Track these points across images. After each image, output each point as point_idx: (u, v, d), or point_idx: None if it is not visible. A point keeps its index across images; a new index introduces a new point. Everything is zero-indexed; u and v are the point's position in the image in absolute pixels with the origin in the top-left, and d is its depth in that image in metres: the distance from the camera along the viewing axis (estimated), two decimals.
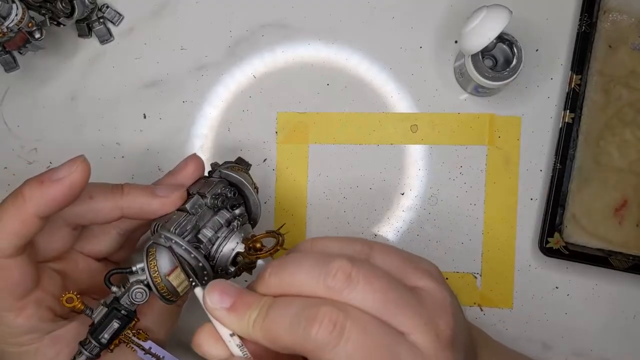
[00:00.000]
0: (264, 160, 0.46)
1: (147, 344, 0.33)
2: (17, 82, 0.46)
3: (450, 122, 0.45)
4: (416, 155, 0.45)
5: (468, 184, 0.45)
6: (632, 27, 0.44)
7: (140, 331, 0.33)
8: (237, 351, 0.28)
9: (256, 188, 0.37)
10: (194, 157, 0.37)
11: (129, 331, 0.32)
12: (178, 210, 0.33)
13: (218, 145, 0.46)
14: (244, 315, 0.28)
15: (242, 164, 0.37)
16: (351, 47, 0.46)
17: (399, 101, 0.45)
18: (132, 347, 0.33)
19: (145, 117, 0.46)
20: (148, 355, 0.33)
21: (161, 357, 0.33)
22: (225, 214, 0.33)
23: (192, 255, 0.31)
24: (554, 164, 0.43)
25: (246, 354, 0.28)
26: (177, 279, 0.31)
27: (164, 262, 0.31)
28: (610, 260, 0.42)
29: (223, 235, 0.33)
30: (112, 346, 0.32)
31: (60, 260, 0.35)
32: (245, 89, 0.46)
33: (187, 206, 0.33)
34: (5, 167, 0.46)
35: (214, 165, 0.37)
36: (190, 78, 0.46)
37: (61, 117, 0.46)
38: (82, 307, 0.32)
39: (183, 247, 0.31)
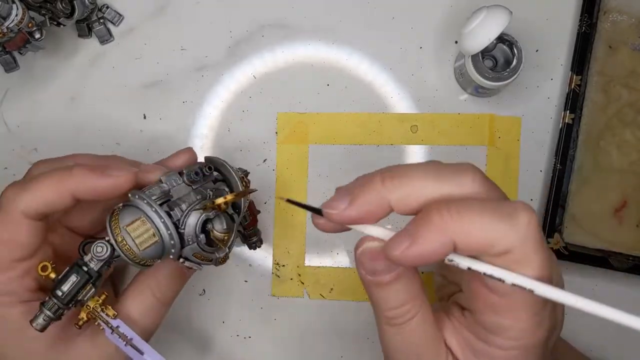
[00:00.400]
0: (264, 161, 0.46)
1: (115, 322, 0.32)
2: (17, 82, 0.46)
3: (450, 122, 0.45)
4: (416, 156, 0.45)
5: None
6: (632, 27, 0.44)
7: (109, 307, 0.32)
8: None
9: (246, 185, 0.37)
10: (188, 149, 0.38)
11: (97, 305, 0.32)
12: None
13: (218, 145, 0.46)
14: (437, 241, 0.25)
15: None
16: (351, 47, 0.46)
17: (399, 101, 0.45)
18: (100, 325, 0.32)
19: (145, 117, 0.46)
20: (115, 335, 0.32)
21: (129, 338, 0.32)
22: (201, 190, 0.33)
23: (154, 209, 0.31)
24: (554, 164, 0.43)
25: None
26: (136, 230, 0.31)
27: (125, 215, 0.31)
28: (610, 260, 0.42)
29: (194, 205, 0.32)
30: (80, 322, 0.32)
31: (51, 232, 0.35)
32: (245, 89, 0.46)
33: (162, 178, 0.33)
34: (6, 168, 0.46)
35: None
36: (190, 78, 0.46)
37: (61, 117, 0.46)
38: (54, 275, 0.31)
39: (145, 201, 0.31)
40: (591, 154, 0.43)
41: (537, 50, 0.45)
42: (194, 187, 0.33)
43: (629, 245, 0.43)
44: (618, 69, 0.43)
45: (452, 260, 0.26)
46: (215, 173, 0.35)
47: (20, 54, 0.43)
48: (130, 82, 0.46)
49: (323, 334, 0.45)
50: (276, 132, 0.46)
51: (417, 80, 0.45)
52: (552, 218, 0.43)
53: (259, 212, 0.42)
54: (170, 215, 0.32)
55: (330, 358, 0.45)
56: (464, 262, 0.25)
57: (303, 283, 0.45)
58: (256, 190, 0.36)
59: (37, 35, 0.41)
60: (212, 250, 0.33)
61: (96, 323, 0.32)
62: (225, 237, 0.33)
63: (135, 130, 0.46)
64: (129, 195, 0.32)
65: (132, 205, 0.32)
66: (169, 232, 0.31)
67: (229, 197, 0.32)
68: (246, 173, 0.38)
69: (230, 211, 0.35)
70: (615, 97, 0.43)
